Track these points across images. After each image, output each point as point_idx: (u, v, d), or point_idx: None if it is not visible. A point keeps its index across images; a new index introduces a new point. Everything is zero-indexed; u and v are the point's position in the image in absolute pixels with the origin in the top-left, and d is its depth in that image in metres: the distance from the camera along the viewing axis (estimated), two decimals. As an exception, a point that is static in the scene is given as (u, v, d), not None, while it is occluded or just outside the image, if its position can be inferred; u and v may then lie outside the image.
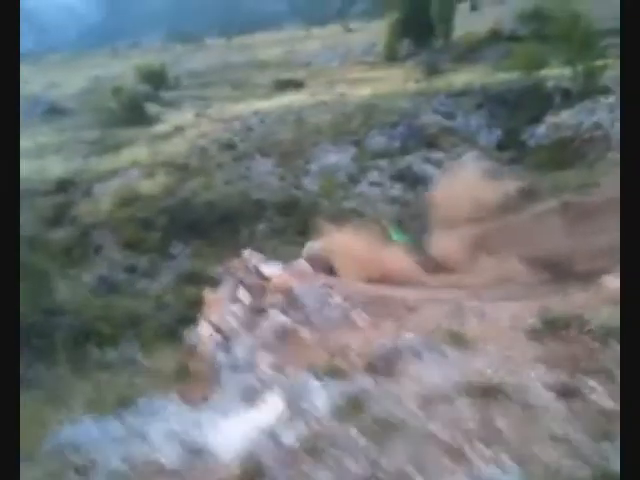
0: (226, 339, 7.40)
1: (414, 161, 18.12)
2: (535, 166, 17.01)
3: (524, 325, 6.38)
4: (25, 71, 43.29)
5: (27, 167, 17.00)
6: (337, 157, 17.66)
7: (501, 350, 5.43)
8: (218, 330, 7.75)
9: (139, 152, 16.91)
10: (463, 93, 23.56)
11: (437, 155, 18.66)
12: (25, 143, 23.52)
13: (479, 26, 41.77)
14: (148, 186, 14.35)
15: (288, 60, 42.18)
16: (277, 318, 7.10)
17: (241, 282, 7.96)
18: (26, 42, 52.59)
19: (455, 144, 19.89)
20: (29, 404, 8.28)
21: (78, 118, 28.49)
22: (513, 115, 21.26)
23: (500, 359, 5.12)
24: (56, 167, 16.39)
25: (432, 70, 32.19)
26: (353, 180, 16.95)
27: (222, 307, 7.91)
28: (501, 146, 20.10)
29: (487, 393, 4.45)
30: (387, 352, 5.89)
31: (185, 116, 22.76)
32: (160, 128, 20.25)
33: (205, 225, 13.30)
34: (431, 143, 19.60)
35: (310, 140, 18.31)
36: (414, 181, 17.20)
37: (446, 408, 4.40)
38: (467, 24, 43.73)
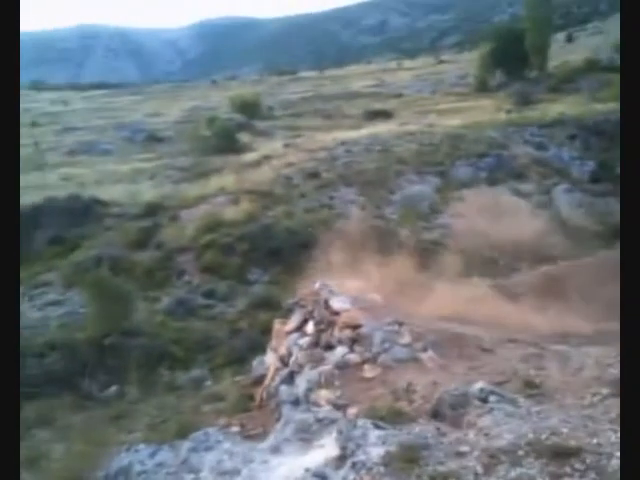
0: (290, 372, 7.08)
1: (502, 192, 17.37)
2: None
3: (610, 376, 5.75)
4: (127, 100, 45.53)
5: (122, 190, 17.54)
6: (420, 187, 17.16)
7: (581, 406, 4.84)
8: (283, 362, 7.46)
9: (226, 180, 17.04)
10: (556, 124, 22.58)
11: (526, 187, 17.83)
12: (123, 168, 24.51)
13: (575, 56, 40.49)
14: (232, 213, 14.36)
15: (379, 91, 42.07)
16: (343, 355, 6.71)
17: (310, 315, 7.64)
18: (132, 74, 55.25)
19: (546, 176, 18.99)
20: (96, 422, 8.32)
21: (174, 146, 29.34)
22: (608, 147, 20.14)
23: (579, 416, 4.54)
24: (148, 192, 16.73)
25: (524, 100, 31.27)
26: (435, 211, 16.40)
27: (289, 339, 7.61)
28: (594, 179, 19.05)
29: (560, 455, 3.89)
30: (454, 398, 5.39)
31: (274, 145, 22.89)
32: (249, 157, 20.41)
33: (284, 252, 13.11)
34: (520, 174, 18.77)
35: (394, 170, 17.90)
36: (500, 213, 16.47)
37: (512, 469, 3.88)
38: (562, 55, 42.53)
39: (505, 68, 39.08)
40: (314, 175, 17.14)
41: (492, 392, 5.21)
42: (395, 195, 16.76)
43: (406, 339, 6.74)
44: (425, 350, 6.63)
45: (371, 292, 10.72)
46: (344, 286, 10.42)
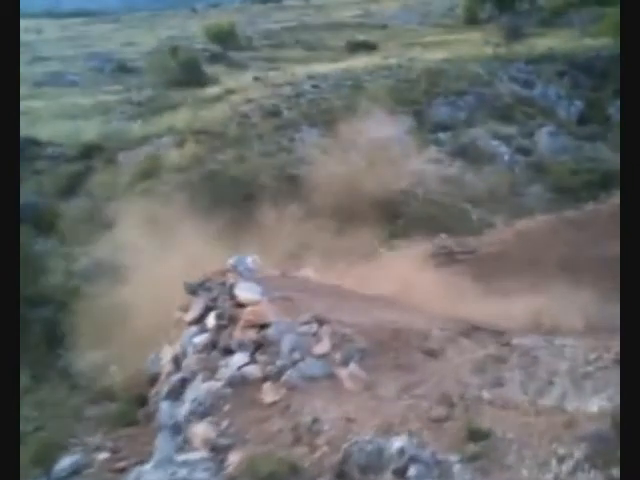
0: (182, 380, 5.32)
1: (480, 135, 15.34)
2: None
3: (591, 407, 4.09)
4: (105, 29, 42.33)
5: (65, 128, 15.34)
6: (391, 129, 15.07)
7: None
8: (176, 364, 5.71)
9: (178, 117, 14.89)
10: (545, 59, 20.28)
11: (508, 129, 15.76)
12: (85, 101, 22.13)
13: (570, -12, 37.46)
14: (174, 156, 12.35)
15: (364, 22, 39.08)
16: (240, 366, 4.93)
17: (214, 303, 5.79)
18: (114, 2, 51.60)
19: (530, 116, 16.88)
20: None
21: (142, 78, 26.83)
22: (599, 86, 17.98)
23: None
24: (91, 130, 14.57)
25: (513, 34, 28.64)
26: (406, 156, 14.39)
27: (186, 333, 5.81)
28: (583, 120, 16.97)
29: None
30: (365, 457, 3.66)
31: (242, 79, 20.53)
32: (210, 91, 18.11)
33: (228, 205, 11.19)
34: (503, 116, 16.64)
35: (364, 108, 15.75)
36: (477, 159, 14.53)
37: None
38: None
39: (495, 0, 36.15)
40: (275, 113, 15.01)
41: (414, 459, 3.46)
42: (363, 137, 14.70)
43: (324, 347, 4.95)
44: (347, 363, 4.85)
45: (316, 261, 8.97)
46: (278, 256, 8.65)
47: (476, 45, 26.20)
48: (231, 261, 6.38)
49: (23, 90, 26.86)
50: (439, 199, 12.86)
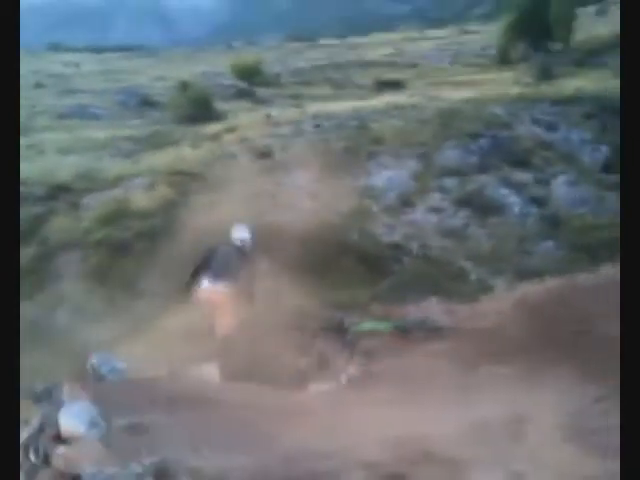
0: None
1: (490, 183, 13.50)
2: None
3: None
4: (141, 64, 42.04)
5: (45, 166, 14.13)
6: (393, 173, 13.41)
7: None
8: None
9: (163, 156, 13.56)
10: (572, 101, 18.33)
11: (521, 176, 13.87)
12: (98, 135, 21.13)
13: (605, 30, 35.39)
14: (142, 200, 10.90)
15: (395, 61, 37.72)
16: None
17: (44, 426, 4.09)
18: (153, 36, 51.65)
19: (550, 162, 14.93)
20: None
21: (162, 113, 25.95)
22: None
23: None
24: (68, 168, 13.30)
25: (544, 74, 26.76)
26: (407, 204, 12.66)
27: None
28: (608, 167, 14.93)
29: None
30: None
31: (252, 116, 19.19)
32: (211, 128, 16.81)
33: (190, 257, 9.62)
34: (519, 161, 14.73)
35: (367, 150, 14.15)
36: (484, 209, 12.67)
37: None
38: (592, 28, 37.41)
39: (528, 40, 34.30)
40: (266, 154, 13.51)
41: None
42: (360, 182, 13.07)
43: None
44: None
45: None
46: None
47: (504, 85, 24.47)
48: (92, 360, 4.76)
49: (44, 122, 26.46)
50: (436, 255, 11.05)
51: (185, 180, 11.84)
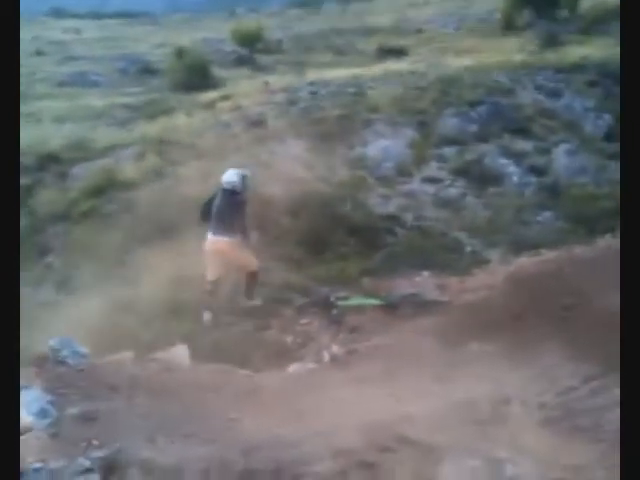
0: None
1: (489, 152, 13.08)
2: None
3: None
4: (142, 31, 41.20)
5: (37, 135, 13.77)
6: (389, 142, 12.99)
7: None
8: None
9: (155, 125, 13.18)
10: (577, 68, 17.73)
11: (521, 145, 13.42)
12: (99, 103, 20.68)
13: (613, -3, 34.29)
14: (131, 170, 10.57)
15: (399, 26, 36.78)
16: None
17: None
18: (155, 2, 50.60)
19: (552, 131, 14.45)
20: None
21: (161, 81, 25.41)
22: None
23: None
24: (59, 137, 12.95)
25: (550, 41, 25.94)
26: (403, 174, 12.29)
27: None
28: (611, 136, 14.44)
29: None
30: None
31: (250, 83, 18.68)
32: (206, 97, 16.37)
33: (177, 229, 9.37)
34: (520, 129, 14.25)
35: (363, 118, 13.72)
36: (482, 179, 12.29)
37: None
38: (600, -5, 36.25)
39: (534, 6, 33.25)
40: (259, 123, 13.11)
41: None
42: (354, 151, 12.68)
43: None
44: None
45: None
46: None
47: (508, 52, 23.74)
48: (51, 343, 4.51)
49: (43, 89, 25.98)
50: (430, 227, 10.72)
51: (175, 149, 11.47)
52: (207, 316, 8.14)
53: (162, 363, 4.77)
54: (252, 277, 8.30)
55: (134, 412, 3.94)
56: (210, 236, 8.07)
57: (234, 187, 8.16)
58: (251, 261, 8.23)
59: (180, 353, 5.33)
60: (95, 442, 3.38)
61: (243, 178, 8.30)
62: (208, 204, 8.38)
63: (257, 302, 8.45)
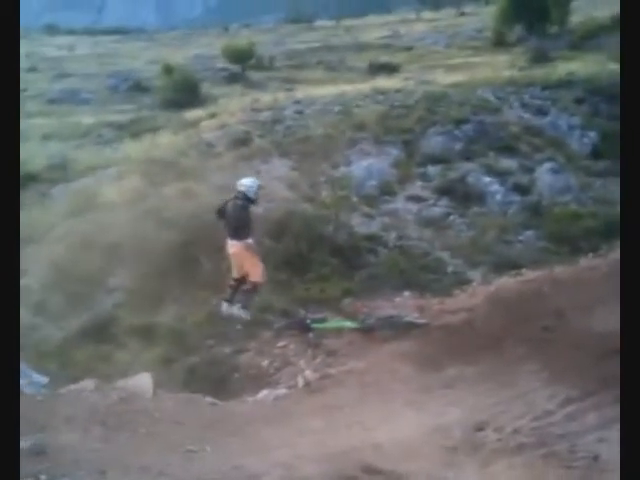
0: None
1: (473, 170, 13.08)
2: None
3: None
4: (136, 47, 41.35)
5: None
6: (373, 161, 13.00)
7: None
8: None
9: (139, 144, 13.14)
10: (564, 85, 17.82)
11: (506, 163, 13.44)
12: (88, 121, 20.65)
13: (601, 13, 34.56)
14: (111, 192, 10.52)
15: (390, 43, 37.07)
16: None
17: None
18: (149, 19, 50.87)
19: (537, 149, 14.47)
20: None
21: (151, 98, 25.49)
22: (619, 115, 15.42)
23: None
24: (43, 157, 12.92)
25: (539, 57, 26.21)
26: (386, 192, 12.29)
27: None
28: (597, 153, 14.49)
29: None
30: None
31: (239, 101, 18.72)
32: (193, 114, 16.38)
33: (158, 251, 9.30)
34: (505, 148, 14.27)
35: (348, 137, 13.73)
36: (466, 197, 12.28)
37: None
38: (589, 10, 36.55)
39: (525, 22, 33.53)
40: (244, 141, 13.11)
41: None
42: (338, 170, 12.68)
43: None
44: None
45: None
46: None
47: (497, 68, 23.93)
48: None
49: (34, 107, 25.94)
50: (413, 246, 10.69)
51: (158, 169, 11.42)
52: (225, 308, 8.52)
53: (124, 392, 4.69)
54: (252, 287, 8.51)
55: (88, 444, 3.87)
56: (228, 240, 8.46)
57: (248, 191, 8.54)
58: (255, 271, 8.45)
59: (143, 382, 5.23)
60: (43, 477, 3.31)
61: (258, 187, 8.76)
62: (222, 208, 8.66)
63: (245, 316, 8.52)
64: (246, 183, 8.65)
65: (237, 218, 8.40)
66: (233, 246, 8.45)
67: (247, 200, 8.53)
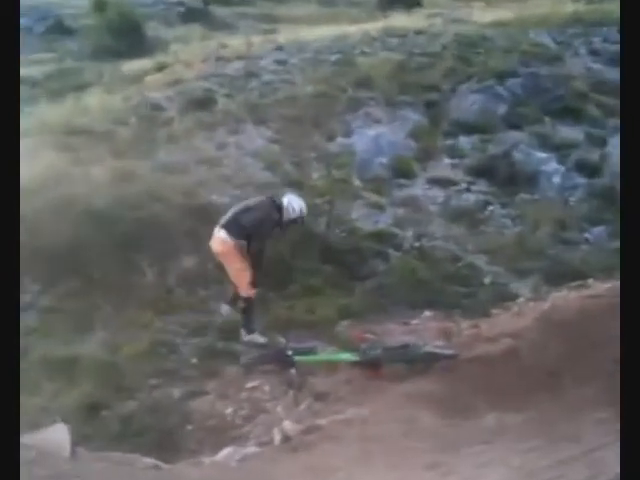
0: None
1: (522, 142, 13.23)
2: None
3: None
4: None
5: None
6: (383, 130, 13.14)
7: None
8: None
9: (60, 109, 13.25)
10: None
11: (568, 133, 13.61)
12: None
13: None
14: (23, 171, 10.54)
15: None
16: None
17: None
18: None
19: (611, 112, 14.51)
20: None
21: (76, 44, 25.67)
22: None
23: None
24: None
25: (613, -12, 26.68)
26: (401, 174, 12.42)
27: None
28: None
29: None
30: None
31: (192, 47, 18.89)
32: (135, 65, 16.53)
33: (87, 253, 9.38)
34: (567, 112, 14.43)
35: (348, 97, 13.87)
36: (511, 180, 12.43)
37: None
38: None
39: None
40: (204, 103, 13.23)
41: None
42: (335, 143, 12.81)
43: None
44: None
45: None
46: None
47: (558, 1, 24.11)
48: None
49: None
50: (437, 248, 10.78)
51: (84, 142, 11.53)
52: (224, 310, 9.17)
53: (31, 451, 4.65)
54: (247, 304, 8.86)
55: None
56: (218, 230, 8.76)
57: (299, 218, 9.19)
58: (242, 282, 8.73)
59: (59, 436, 5.14)
60: None
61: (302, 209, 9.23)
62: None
63: (259, 338, 8.78)
64: (302, 210, 9.23)
65: (260, 221, 8.81)
66: (223, 242, 8.66)
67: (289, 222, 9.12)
